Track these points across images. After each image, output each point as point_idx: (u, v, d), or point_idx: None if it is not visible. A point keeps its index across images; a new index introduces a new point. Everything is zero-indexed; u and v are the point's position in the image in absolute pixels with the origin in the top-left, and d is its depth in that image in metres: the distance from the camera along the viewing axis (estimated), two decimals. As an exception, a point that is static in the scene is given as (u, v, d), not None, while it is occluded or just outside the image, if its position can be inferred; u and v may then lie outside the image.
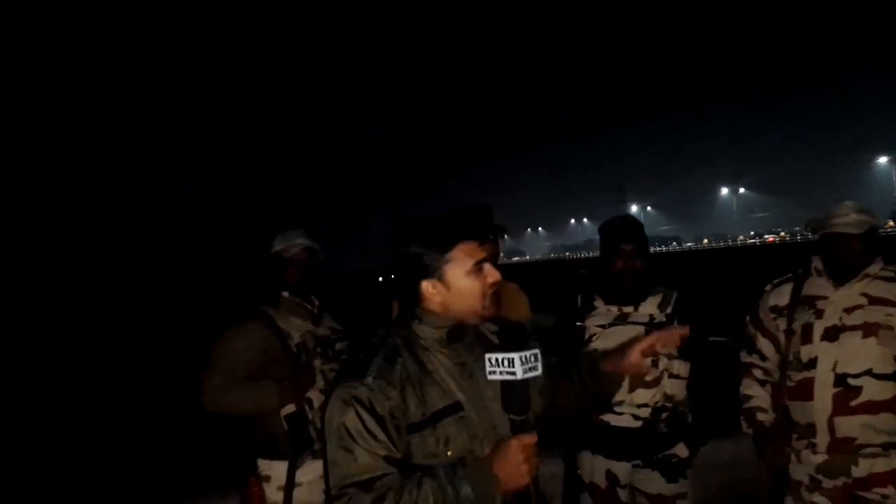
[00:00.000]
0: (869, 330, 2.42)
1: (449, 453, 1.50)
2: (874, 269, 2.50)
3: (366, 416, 1.46)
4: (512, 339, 1.47)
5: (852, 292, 2.49)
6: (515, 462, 1.40)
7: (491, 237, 2.53)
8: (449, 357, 1.59)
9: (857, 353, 2.41)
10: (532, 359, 1.43)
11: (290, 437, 2.57)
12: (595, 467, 2.77)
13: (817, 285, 2.59)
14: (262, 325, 2.65)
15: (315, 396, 2.60)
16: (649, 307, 2.77)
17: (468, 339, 1.64)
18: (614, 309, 2.80)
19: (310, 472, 2.58)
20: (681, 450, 2.73)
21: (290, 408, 2.58)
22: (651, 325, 2.72)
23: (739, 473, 3.52)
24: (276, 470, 2.59)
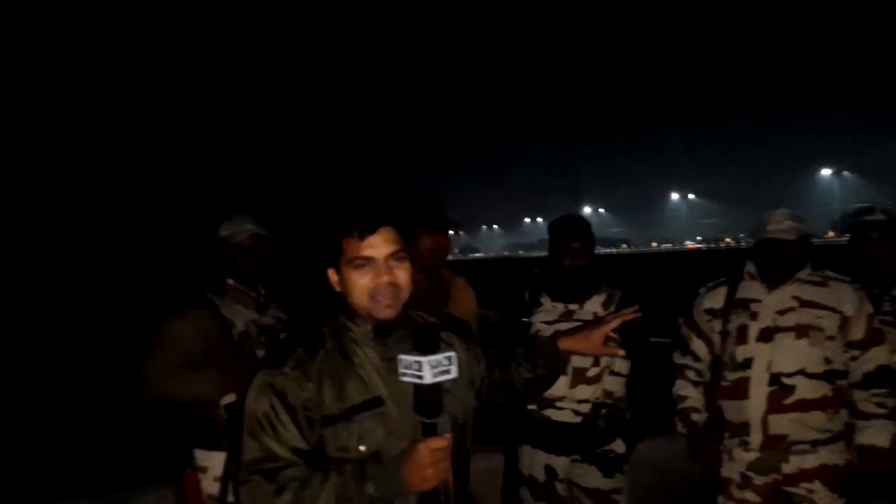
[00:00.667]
0: (801, 331, 2.52)
1: (362, 448, 1.49)
2: (804, 273, 2.61)
3: (278, 404, 1.48)
4: (423, 342, 1.44)
5: (784, 295, 2.59)
6: (421, 465, 1.36)
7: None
8: (377, 351, 1.58)
9: (790, 354, 2.51)
10: (444, 362, 1.39)
11: (230, 427, 2.52)
12: (534, 461, 2.81)
13: (750, 288, 2.68)
14: (205, 312, 2.59)
15: None
16: (594, 305, 2.82)
17: (400, 333, 1.60)
18: (560, 306, 2.84)
19: None
20: (618, 445, 2.79)
21: (230, 397, 2.52)
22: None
23: (676, 471, 3.60)
24: (213, 461, 2.53)
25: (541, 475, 2.79)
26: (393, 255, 1.56)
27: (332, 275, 1.61)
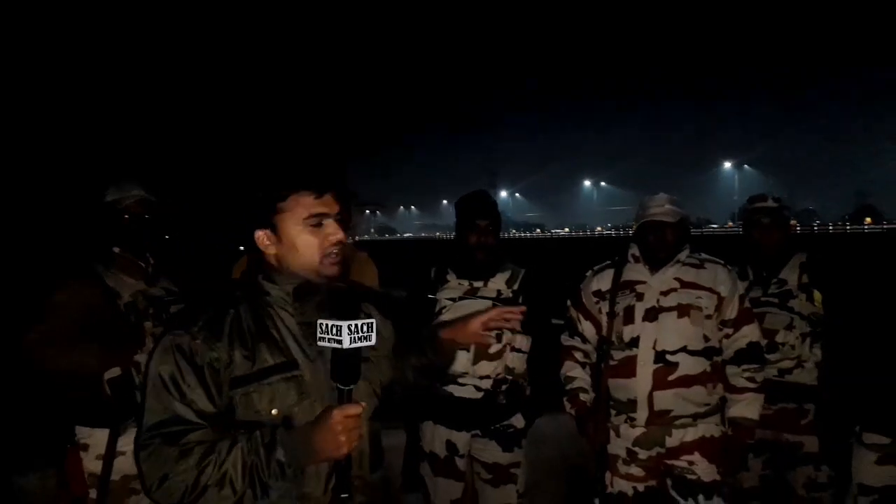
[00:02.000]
0: (683, 311, 2.64)
1: (274, 412, 1.45)
2: (683, 255, 2.73)
3: (185, 365, 1.42)
4: (343, 306, 1.43)
5: (667, 277, 2.71)
6: (334, 432, 1.34)
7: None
8: (294, 315, 1.54)
9: (673, 332, 2.63)
10: (364, 328, 1.38)
11: (114, 402, 2.39)
12: (436, 437, 2.82)
13: (635, 271, 2.78)
14: (87, 281, 2.43)
15: (144, 360, 2.41)
16: (498, 283, 2.84)
17: (318, 298, 1.57)
18: (465, 283, 2.85)
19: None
20: (518, 420, 2.84)
21: (114, 371, 2.39)
22: (498, 301, 2.79)
23: (574, 446, 3.70)
24: (96, 438, 2.41)
25: (441, 451, 2.81)
26: (339, 215, 1.55)
27: (264, 237, 1.53)
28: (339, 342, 1.36)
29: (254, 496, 1.37)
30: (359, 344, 1.38)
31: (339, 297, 1.49)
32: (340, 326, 1.36)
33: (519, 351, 2.80)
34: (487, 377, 2.75)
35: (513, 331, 2.77)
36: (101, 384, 2.38)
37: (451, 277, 2.88)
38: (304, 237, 1.51)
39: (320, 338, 1.40)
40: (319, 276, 1.53)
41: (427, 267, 3.00)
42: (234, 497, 1.36)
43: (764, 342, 2.79)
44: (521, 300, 2.83)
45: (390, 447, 3.16)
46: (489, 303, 2.78)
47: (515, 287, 2.85)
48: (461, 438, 2.81)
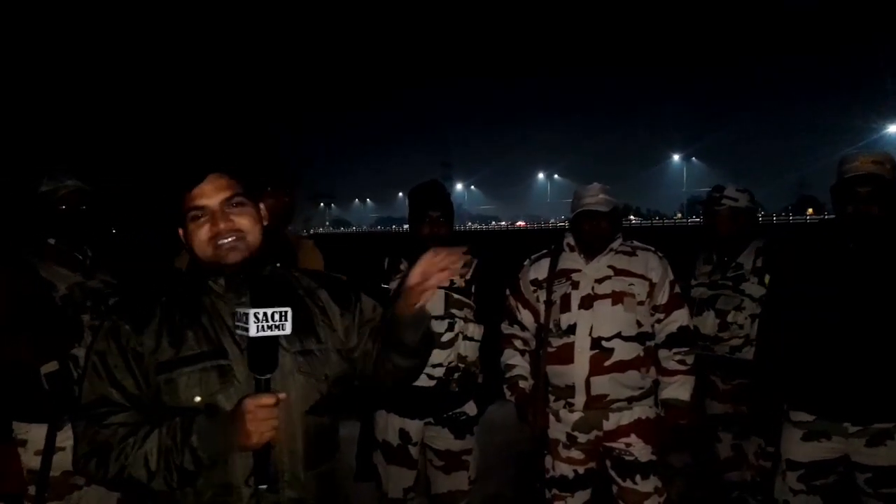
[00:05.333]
0: (616, 298, 2.71)
1: (197, 399, 1.44)
2: (616, 244, 2.80)
3: (113, 348, 1.47)
4: (258, 294, 1.42)
5: (601, 265, 2.77)
6: (243, 421, 1.33)
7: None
8: (229, 305, 1.52)
9: (608, 319, 2.69)
10: (275, 317, 1.36)
11: (52, 397, 2.31)
12: (389, 425, 2.83)
13: (571, 259, 2.84)
14: (19, 272, 2.35)
15: (82, 354, 2.32)
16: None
17: (262, 289, 1.53)
18: None
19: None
20: (470, 408, 2.87)
21: (51, 365, 2.32)
22: (451, 290, 2.81)
23: (524, 433, 3.75)
24: (33, 433, 2.33)
25: (394, 439, 2.82)
26: (228, 201, 1.51)
27: (181, 233, 1.56)
28: (246, 330, 1.35)
29: (168, 482, 1.37)
30: (268, 333, 1.36)
31: (257, 284, 1.48)
32: (247, 314, 1.35)
33: (471, 339, 2.82)
34: (440, 365, 2.76)
35: (465, 319, 2.79)
36: (39, 378, 2.31)
37: (405, 267, 2.88)
38: (192, 232, 1.52)
39: (235, 326, 1.41)
40: (220, 266, 1.51)
41: (381, 257, 2.99)
42: (149, 479, 1.38)
43: (692, 326, 2.87)
44: (473, 290, 2.85)
45: (343, 437, 3.15)
46: (441, 292, 2.80)
47: (468, 276, 2.87)
48: (414, 426, 2.81)
